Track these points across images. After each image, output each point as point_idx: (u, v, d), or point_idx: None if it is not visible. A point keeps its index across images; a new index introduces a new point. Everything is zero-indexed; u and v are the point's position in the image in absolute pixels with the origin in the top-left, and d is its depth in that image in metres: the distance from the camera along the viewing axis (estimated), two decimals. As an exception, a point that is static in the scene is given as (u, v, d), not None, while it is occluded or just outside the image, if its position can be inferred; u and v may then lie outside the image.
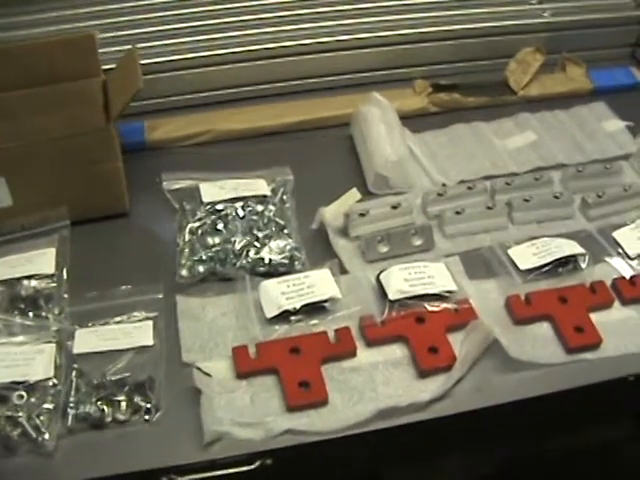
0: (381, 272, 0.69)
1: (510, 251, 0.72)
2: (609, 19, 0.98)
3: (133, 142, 0.84)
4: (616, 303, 0.69)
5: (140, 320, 0.66)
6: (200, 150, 0.87)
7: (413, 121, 0.89)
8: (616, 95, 0.95)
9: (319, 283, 0.67)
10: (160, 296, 0.68)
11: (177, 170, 0.79)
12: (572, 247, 0.72)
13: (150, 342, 0.64)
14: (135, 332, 0.65)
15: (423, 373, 0.62)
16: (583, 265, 0.71)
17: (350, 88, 0.94)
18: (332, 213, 0.75)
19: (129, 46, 0.79)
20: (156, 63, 0.88)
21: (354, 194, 0.76)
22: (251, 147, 0.87)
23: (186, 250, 0.72)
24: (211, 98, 0.92)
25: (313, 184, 0.80)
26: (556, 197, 0.77)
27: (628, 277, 0.70)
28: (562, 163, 0.85)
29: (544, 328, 0.67)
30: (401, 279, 0.67)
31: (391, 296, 0.66)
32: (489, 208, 0.75)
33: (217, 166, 0.81)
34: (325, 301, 0.66)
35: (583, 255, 0.71)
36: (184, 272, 0.70)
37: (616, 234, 0.75)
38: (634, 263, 0.73)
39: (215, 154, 0.86)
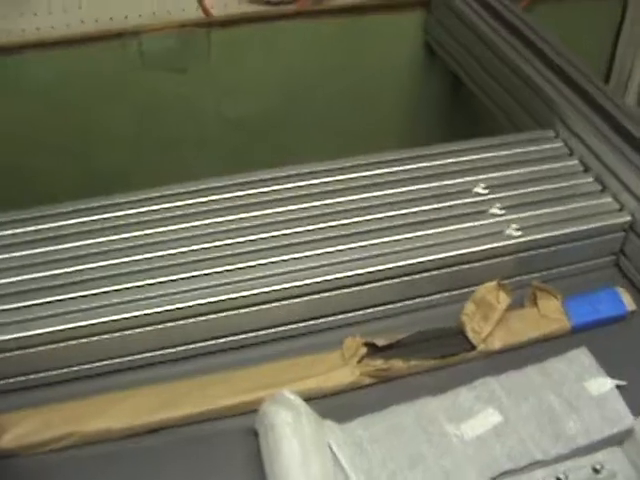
0: None
1: None
2: (589, 230, 0.79)
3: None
4: None
5: None
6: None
7: (340, 399, 0.70)
8: (601, 334, 0.75)
9: None
10: None
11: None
12: None
13: None
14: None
15: None
16: None
17: (260, 347, 0.74)
18: None
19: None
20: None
21: None
22: (132, 445, 0.67)
23: None
24: (78, 373, 0.71)
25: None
26: None
27: None
28: (537, 460, 0.64)
29: None
30: None
31: None
32: None
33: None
34: None
35: None
36: None
37: None
38: None
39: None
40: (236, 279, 0.72)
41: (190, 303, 0.70)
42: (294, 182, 0.82)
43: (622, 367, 0.71)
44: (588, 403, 0.68)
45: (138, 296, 0.70)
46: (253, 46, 1.19)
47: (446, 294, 0.77)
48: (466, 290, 0.77)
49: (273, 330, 0.74)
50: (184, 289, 0.71)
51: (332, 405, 0.69)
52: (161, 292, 0.71)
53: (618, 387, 0.69)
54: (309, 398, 0.68)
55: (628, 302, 0.77)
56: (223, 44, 1.17)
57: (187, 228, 0.77)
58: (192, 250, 0.75)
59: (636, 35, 1.26)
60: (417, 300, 0.77)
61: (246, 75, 1.21)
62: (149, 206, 0.79)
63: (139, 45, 1.14)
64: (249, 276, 0.72)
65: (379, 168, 0.84)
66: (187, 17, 1.16)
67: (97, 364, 0.70)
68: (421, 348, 0.72)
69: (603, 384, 0.70)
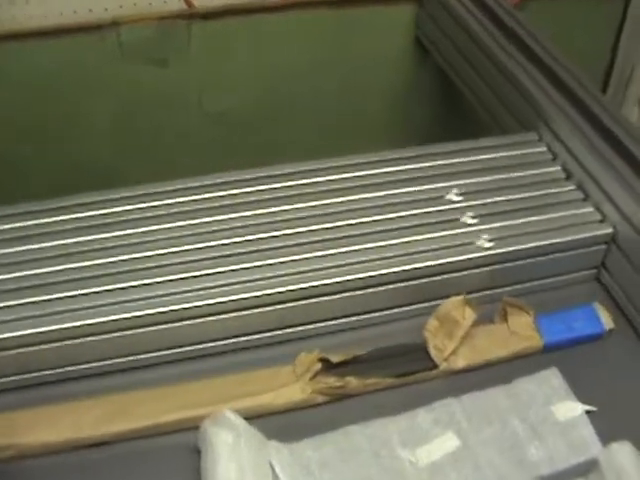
0: None
1: None
2: (567, 242, 0.74)
3: None
4: None
5: None
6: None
7: (290, 417, 0.66)
8: (575, 353, 0.71)
9: None
10: None
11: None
12: None
13: None
14: None
15: None
16: None
17: (214, 358, 0.70)
18: None
19: None
20: None
21: None
22: (70, 458, 0.63)
23: None
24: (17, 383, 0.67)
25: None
26: None
27: None
28: (494, 493, 0.60)
29: None
30: None
31: None
32: None
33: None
34: None
35: None
36: None
37: None
38: None
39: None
40: (188, 288, 0.68)
41: (140, 312, 0.66)
42: (239, 188, 0.78)
43: (594, 391, 0.67)
44: (554, 429, 0.64)
45: (85, 304, 0.67)
46: (237, 38, 1.15)
47: (409, 307, 0.73)
48: (431, 303, 0.72)
49: (227, 342, 0.70)
50: (135, 297, 0.67)
51: (281, 423, 0.65)
52: (110, 300, 0.67)
53: (588, 413, 0.65)
54: (258, 415, 0.65)
55: (606, 320, 0.72)
56: (206, 36, 1.13)
57: (141, 233, 0.73)
58: (146, 257, 0.71)
59: (638, 33, 1.21)
60: (378, 314, 0.72)
61: (230, 68, 1.17)
62: (119, 206, 0.76)
63: (118, 36, 1.10)
64: (202, 285, 0.68)
65: (347, 172, 0.79)
66: (169, 9, 1.12)
67: (35, 374, 0.67)
68: (379, 365, 0.68)
69: (572, 409, 0.66)
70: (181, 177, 0.79)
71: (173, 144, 1.21)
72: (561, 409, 0.66)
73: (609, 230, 0.74)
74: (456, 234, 0.73)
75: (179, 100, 1.17)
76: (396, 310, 0.72)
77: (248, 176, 0.79)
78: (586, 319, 0.72)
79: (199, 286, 0.68)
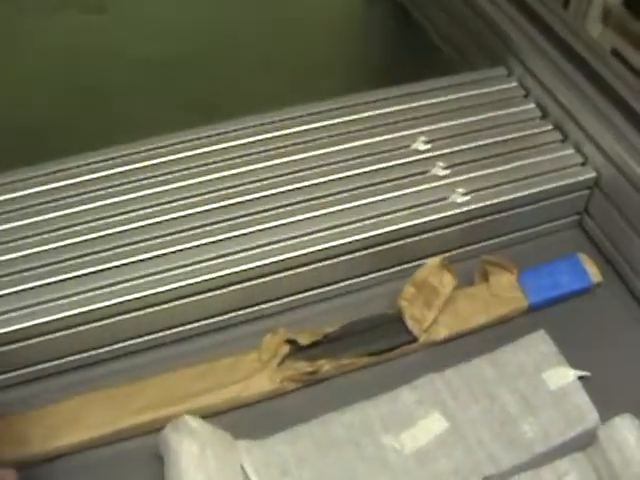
0: None
1: None
2: (547, 191, 0.67)
3: None
4: None
5: None
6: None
7: (260, 408, 0.59)
8: (562, 312, 0.65)
9: None
10: None
11: None
12: None
13: None
14: None
15: None
16: None
17: (175, 345, 0.62)
18: None
19: None
20: None
21: None
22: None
23: None
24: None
25: None
26: None
27: None
28: (489, 475, 0.55)
29: None
30: None
31: None
32: None
33: None
34: None
35: None
36: None
37: None
38: None
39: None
40: (135, 275, 0.59)
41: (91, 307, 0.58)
42: (198, 147, 0.69)
43: (585, 353, 0.62)
44: (546, 399, 0.59)
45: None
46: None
47: (381, 273, 0.66)
48: (403, 267, 0.66)
49: (182, 328, 0.63)
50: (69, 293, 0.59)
51: (250, 416, 0.58)
52: (41, 299, 0.58)
53: (581, 378, 0.60)
54: (227, 410, 0.58)
55: (593, 272, 0.66)
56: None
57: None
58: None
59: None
60: (346, 282, 0.65)
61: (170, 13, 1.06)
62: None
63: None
64: (151, 270, 0.60)
65: (298, 125, 0.71)
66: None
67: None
68: (353, 342, 0.61)
69: (564, 375, 0.61)
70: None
71: (115, 96, 1.09)
72: (552, 376, 0.60)
73: (592, 174, 0.68)
74: (427, 189, 0.66)
75: (117, 49, 1.05)
76: (366, 277, 0.66)
77: (193, 136, 0.70)
78: (572, 273, 0.66)
79: (145, 272, 0.60)
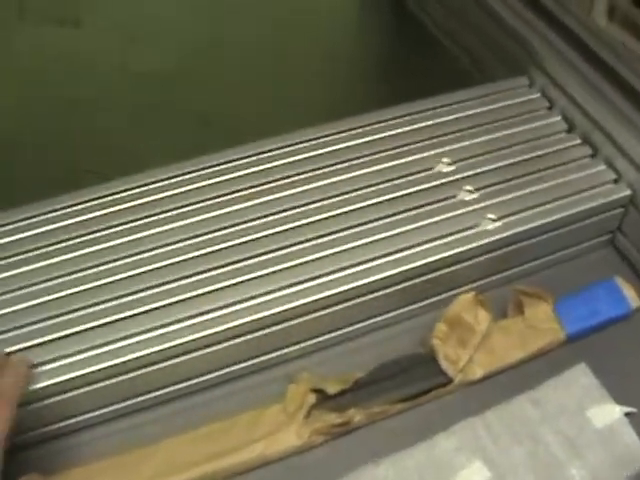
0: None
1: None
2: (581, 213, 0.63)
3: None
4: None
5: None
6: None
7: (286, 463, 0.55)
8: (601, 341, 0.62)
9: None
10: None
11: None
12: None
13: None
14: None
15: None
16: None
17: (195, 395, 0.59)
18: None
19: None
20: None
21: None
22: None
23: None
24: None
25: None
26: None
27: None
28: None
29: None
30: None
31: None
32: None
33: None
34: None
35: None
36: None
37: None
38: None
39: None
40: (141, 329, 0.55)
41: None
42: (192, 182, 0.65)
43: (628, 385, 0.58)
44: (592, 440, 0.55)
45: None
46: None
47: (407, 308, 0.62)
48: (432, 300, 0.62)
49: (196, 380, 0.58)
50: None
51: (273, 474, 0.55)
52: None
53: (627, 415, 0.57)
54: (251, 469, 0.55)
55: (632, 297, 0.62)
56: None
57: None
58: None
59: None
60: (372, 320, 0.62)
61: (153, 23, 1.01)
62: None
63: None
64: (158, 323, 0.55)
65: (314, 149, 0.66)
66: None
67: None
68: (383, 387, 0.57)
69: (610, 412, 0.57)
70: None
71: (94, 110, 1.04)
72: (597, 414, 0.57)
73: (627, 192, 0.64)
74: (455, 216, 0.62)
75: (98, 60, 1.00)
76: (394, 313, 0.62)
77: (192, 168, 0.66)
78: (609, 298, 0.62)
79: (154, 325, 0.55)
